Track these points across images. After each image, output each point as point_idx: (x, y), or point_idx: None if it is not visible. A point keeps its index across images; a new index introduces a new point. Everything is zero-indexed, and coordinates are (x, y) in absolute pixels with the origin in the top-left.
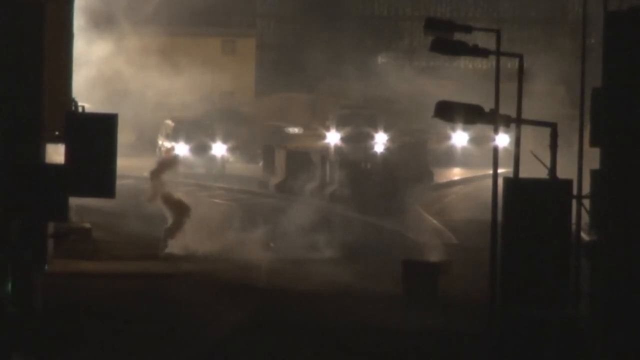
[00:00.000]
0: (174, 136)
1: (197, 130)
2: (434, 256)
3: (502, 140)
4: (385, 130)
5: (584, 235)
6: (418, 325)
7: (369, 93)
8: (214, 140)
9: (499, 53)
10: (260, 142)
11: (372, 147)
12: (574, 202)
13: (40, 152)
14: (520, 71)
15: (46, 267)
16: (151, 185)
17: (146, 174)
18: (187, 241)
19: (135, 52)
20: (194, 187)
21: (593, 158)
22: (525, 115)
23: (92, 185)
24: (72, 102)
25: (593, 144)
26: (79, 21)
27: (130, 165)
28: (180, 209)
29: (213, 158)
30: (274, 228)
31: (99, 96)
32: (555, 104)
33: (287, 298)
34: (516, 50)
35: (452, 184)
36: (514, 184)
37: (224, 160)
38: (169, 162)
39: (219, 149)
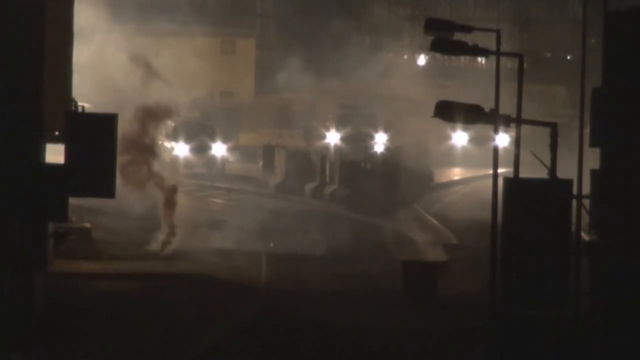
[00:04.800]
0: (173, 136)
1: (197, 130)
2: (433, 256)
3: (502, 140)
4: (385, 130)
5: (584, 235)
6: (418, 325)
7: (368, 92)
8: (214, 140)
9: (499, 53)
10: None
11: (372, 147)
12: (574, 202)
13: (40, 152)
14: (520, 71)
15: (46, 267)
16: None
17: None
18: (187, 241)
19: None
20: (194, 187)
21: (593, 158)
22: (524, 115)
23: (92, 185)
24: (72, 102)
25: (593, 144)
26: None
27: None
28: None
29: (213, 158)
30: (274, 228)
31: (99, 96)
32: (555, 104)
33: (286, 298)
34: (516, 50)
35: (452, 184)
36: (514, 184)
37: (223, 160)
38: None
39: (219, 149)
